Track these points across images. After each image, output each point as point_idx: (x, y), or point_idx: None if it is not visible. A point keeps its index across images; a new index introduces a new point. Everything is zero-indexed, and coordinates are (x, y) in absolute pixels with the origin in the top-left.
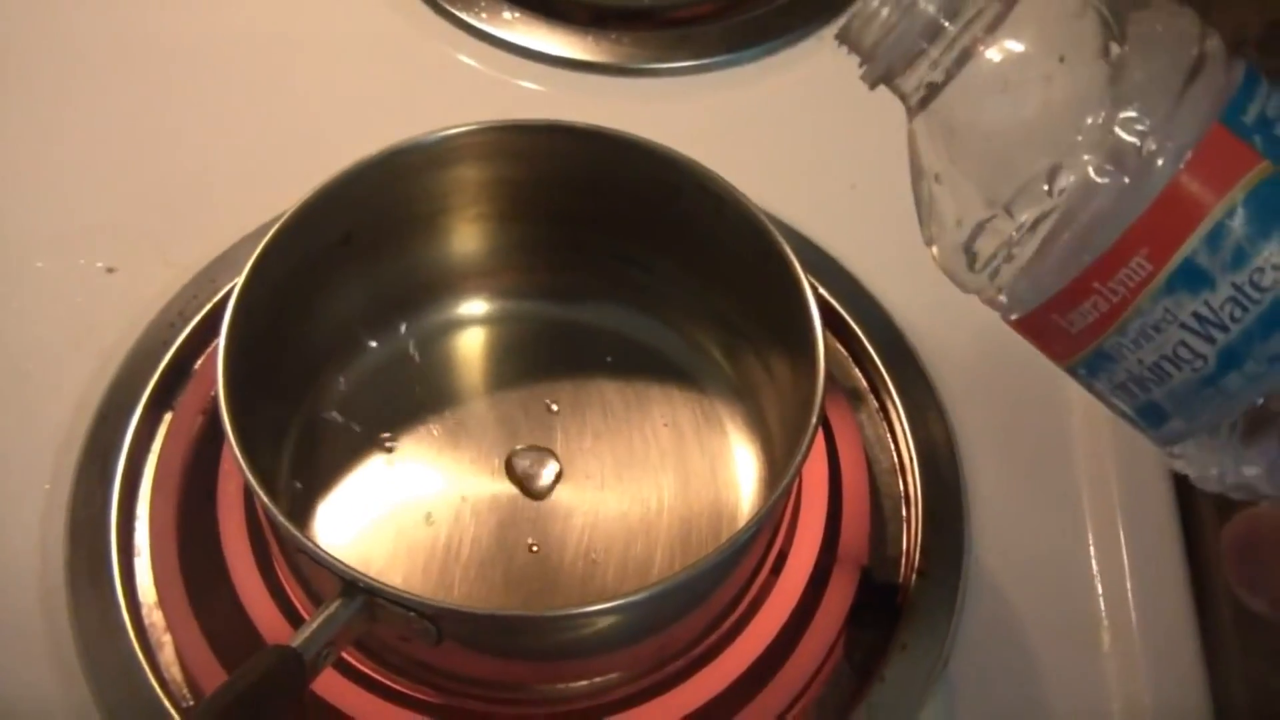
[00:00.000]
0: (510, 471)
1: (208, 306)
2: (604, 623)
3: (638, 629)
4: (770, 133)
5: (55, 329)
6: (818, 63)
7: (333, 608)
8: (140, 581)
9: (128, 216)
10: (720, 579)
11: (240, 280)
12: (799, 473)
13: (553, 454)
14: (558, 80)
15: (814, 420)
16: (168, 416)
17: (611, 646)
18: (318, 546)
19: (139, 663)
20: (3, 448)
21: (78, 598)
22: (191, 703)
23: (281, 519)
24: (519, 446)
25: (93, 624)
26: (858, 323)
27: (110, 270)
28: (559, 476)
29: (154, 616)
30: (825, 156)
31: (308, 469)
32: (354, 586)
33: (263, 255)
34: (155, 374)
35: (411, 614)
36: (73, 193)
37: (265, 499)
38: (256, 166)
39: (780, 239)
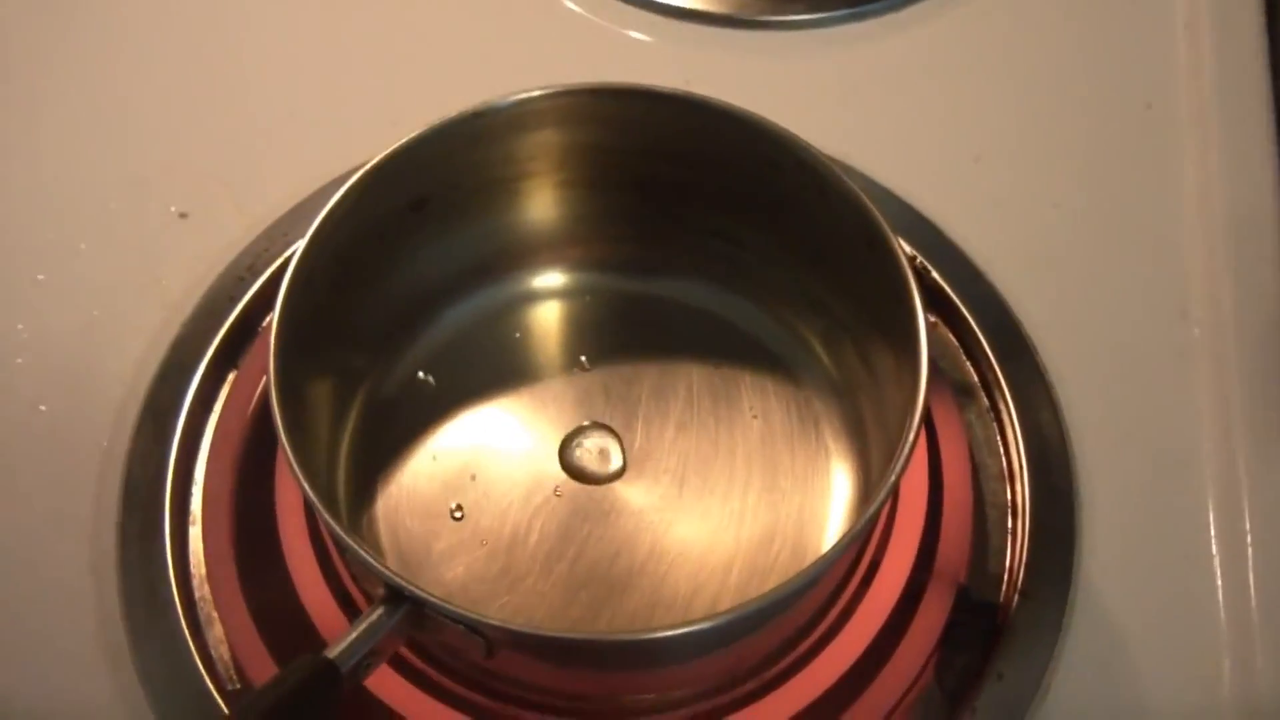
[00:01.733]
0: (570, 458)
1: (278, 261)
2: (662, 646)
3: (702, 649)
4: (890, 96)
5: (123, 275)
6: (946, 21)
7: (375, 616)
8: (193, 552)
9: (204, 159)
10: (794, 604)
11: (300, 247)
12: (894, 490)
13: (615, 437)
14: (667, 31)
15: (912, 433)
16: (231, 376)
17: (674, 662)
18: (360, 545)
19: (185, 640)
20: (62, 400)
21: (127, 565)
22: (237, 686)
23: (325, 513)
24: (584, 423)
25: (140, 595)
26: (971, 311)
27: (183, 215)
28: (623, 469)
29: (204, 590)
30: (948, 125)
31: (370, 447)
32: (399, 594)
33: (326, 220)
34: (221, 331)
35: (460, 626)
36: (149, 131)
37: (307, 486)
38: (339, 113)
39: (885, 224)
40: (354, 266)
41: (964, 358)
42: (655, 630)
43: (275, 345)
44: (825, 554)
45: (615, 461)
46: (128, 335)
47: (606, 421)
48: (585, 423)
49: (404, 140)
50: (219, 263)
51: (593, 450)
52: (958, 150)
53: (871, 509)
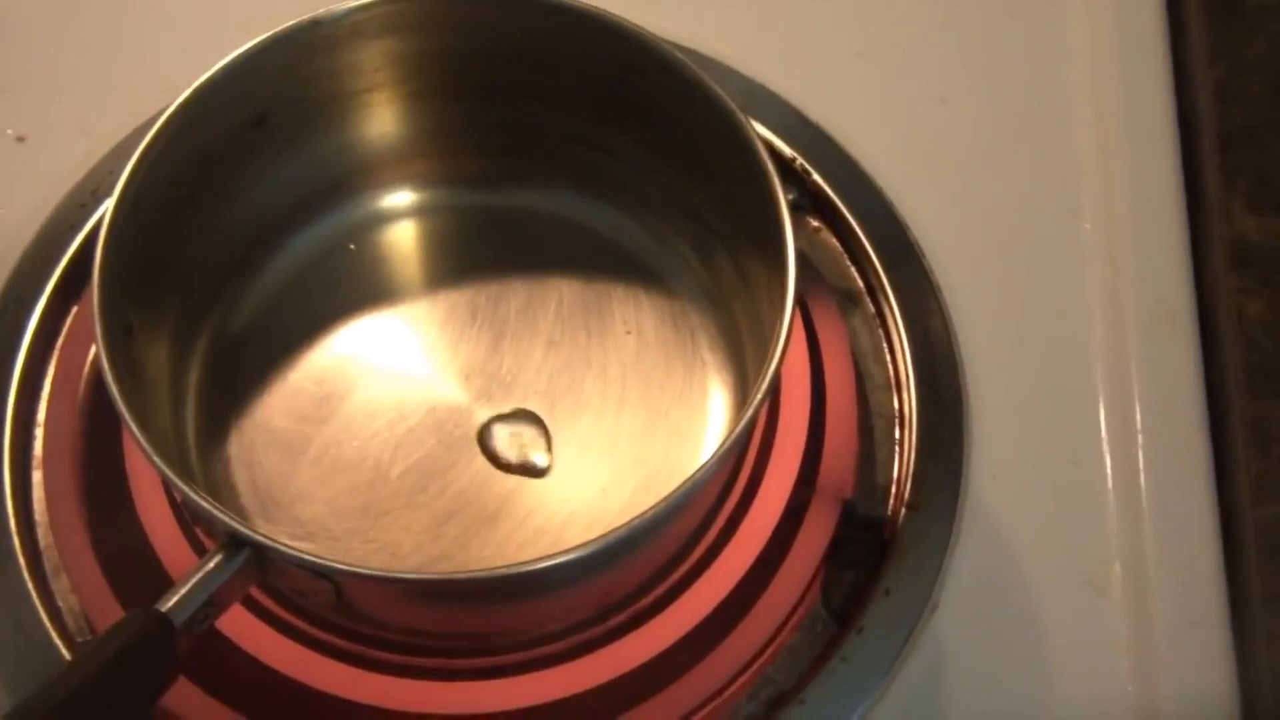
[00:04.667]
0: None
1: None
2: (532, 578)
3: (578, 577)
4: None
5: None
6: None
7: (212, 564)
8: (36, 500)
9: (42, 77)
10: (675, 520)
11: (124, 172)
12: (768, 395)
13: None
14: None
15: (782, 340)
16: (74, 310)
17: (544, 594)
18: (192, 488)
19: (28, 592)
20: None
21: None
22: (88, 637)
23: (153, 454)
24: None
25: None
26: (855, 215)
27: (20, 139)
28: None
29: (49, 539)
30: (829, 18)
31: (221, 383)
32: (237, 538)
33: (152, 142)
34: (61, 262)
35: (304, 571)
36: None
37: (135, 429)
38: (190, 23)
39: (749, 127)
40: (191, 191)
41: (848, 263)
42: (519, 565)
43: (99, 279)
44: (697, 471)
45: (479, 387)
46: None
47: (474, 348)
48: (455, 348)
49: (237, 52)
50: (60, 188)
51: (459, 375)
52: (839, 44)
53: (748, 412)
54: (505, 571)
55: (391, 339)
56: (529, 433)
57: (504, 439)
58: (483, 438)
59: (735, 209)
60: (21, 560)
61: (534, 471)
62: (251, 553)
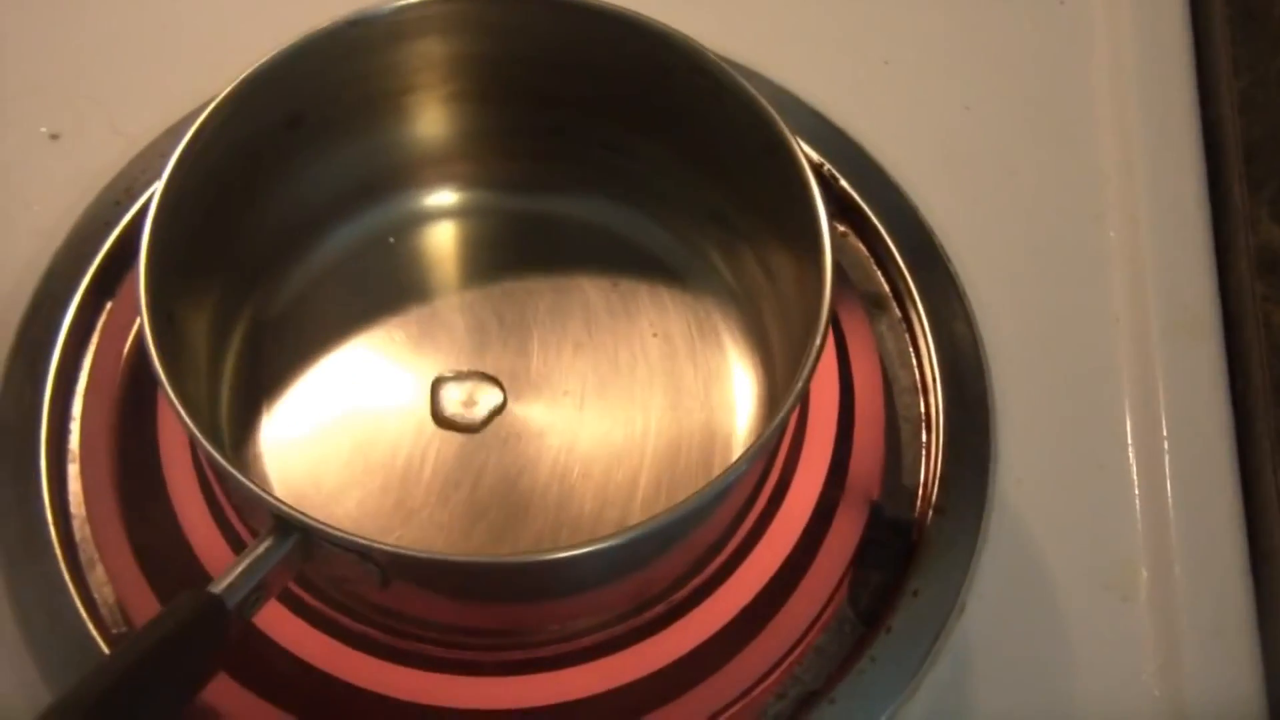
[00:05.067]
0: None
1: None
2: (568, 567)
3: (611, 571)
4: None
5: None
6: None
7: (262, 548)
8: (72, 492)
9: (75, 76)
10: (705, 518)
11: (166, 170)
12: (800, 400)
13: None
14: None
15: (818, 341)
16: (108, 306)
17: (578, 588)
18: (242, 475)
19: (65, 583)
20: None
21: (2, 509)
22: (123, 629)
23: (205, 443)
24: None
25: (17, 538)
26: (882, 220)
27: (54, 137)
28: (500, 408)
29: (85, 531)
30: (857, 27)
31: (255, 379)
32: (286, 523)
33: (193, 141)
34: (96, 259)
35: (353, 555)
36: (16, 47)
37: (186, 417)
38: (220, 24)
39: (783, 126)
40: (229, 188)
41: (874, 268)
42: (555, 550)
43: (145, 274)
44: (733, 464)
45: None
46: None
47: (500, 347)
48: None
49: (274, 53)
50: (93, 186)
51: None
52: (867, 53)
53: (780, 416)
54: (545, 556)
55: (422, 337)
56: (558, 433)
57: (533, 440)
58: (512, 437)
59: (765, 212)
60: (58, 551)
61: (563, 473)
62: (300, 537)
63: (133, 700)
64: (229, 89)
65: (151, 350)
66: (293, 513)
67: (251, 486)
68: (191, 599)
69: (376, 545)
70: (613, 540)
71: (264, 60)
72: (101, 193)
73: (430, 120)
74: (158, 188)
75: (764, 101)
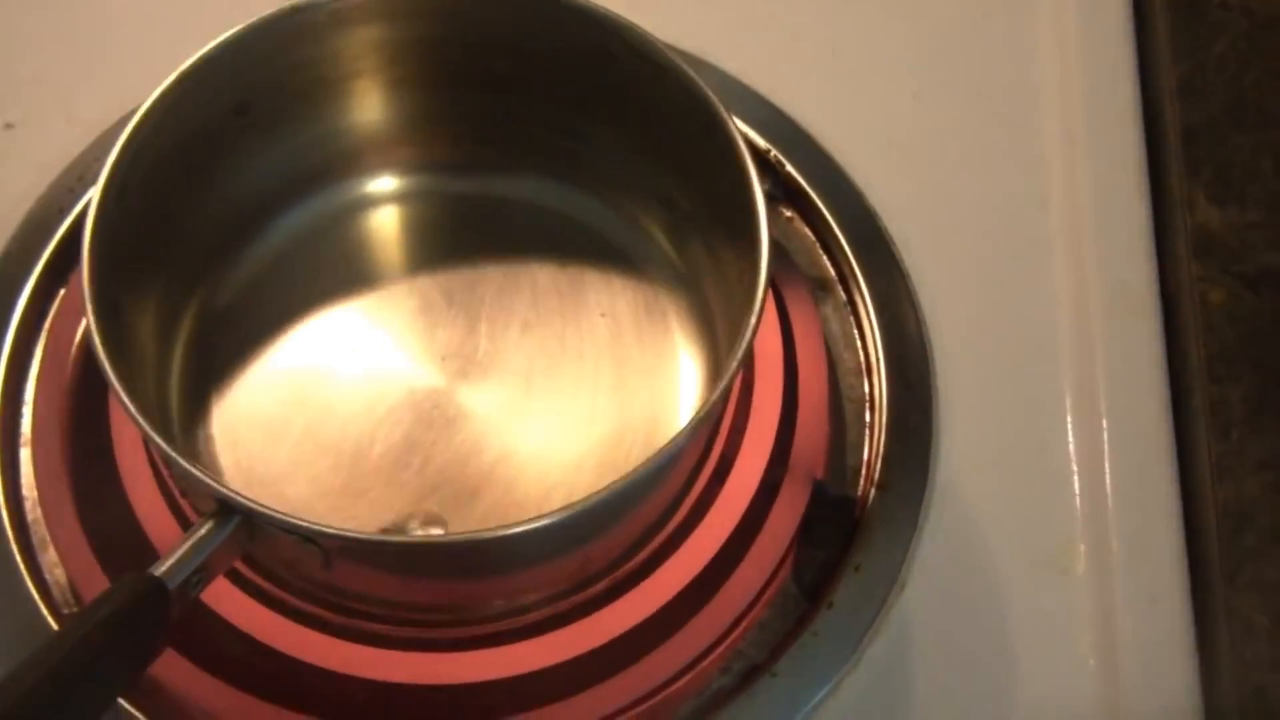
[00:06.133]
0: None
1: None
2: (511, 544)
3: (555, 547)
4: None
5: None
6: None
7: (204, 530)
8: (24, 475)
9: (29, 64)
10: (647, 493)
11: (110, 156)
12: (734, 380)
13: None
14: None
15: (752, 322)
16: (61, 293)
17: (524, 564)
18: (184, 458)
19: (16, 564)
20: None
21: None
22: (74, 609)
23: (147, 427)
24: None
25: None
26: (828, 205)
27: (8, 126)
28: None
29: (36, 513)
30: (804, 15)
31: (205, 363)
32: (228, 505)
33: (137, 128)
34: (49, 246)
35: (295, 537)
36: None
37: (125, 398)
38: (175, 11)
39: (720, 108)
40: (175, 176)
41: (820, 252)
42: (496, 529)
43: (89, 260)
44: (672, 439)
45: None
46: None
47: (450, 329)
48: (433, 330)
49: (219, 40)
50: (47, 174)
51: (437, 357)
52: (815, 41)
53: (717, 392)
54: (486, 535)
55: (371, 321)
56: (505, 413)
57: (481, 420)
58: (459, 418)
59: (708, 194)
60: (10, 533)
61: (511, 452)
62: (242, 519)
63: (72, 682)
64: (173, 76)
65: (95, 337)
66: (234, 495)
67: (192, 469)
68: (132, 582)
69: (317, 527)
70: (553, 517)
71: (208, 47)
72: (56, 180)
73: (376, 105)
74: (100, 176)
75: (701, 82)
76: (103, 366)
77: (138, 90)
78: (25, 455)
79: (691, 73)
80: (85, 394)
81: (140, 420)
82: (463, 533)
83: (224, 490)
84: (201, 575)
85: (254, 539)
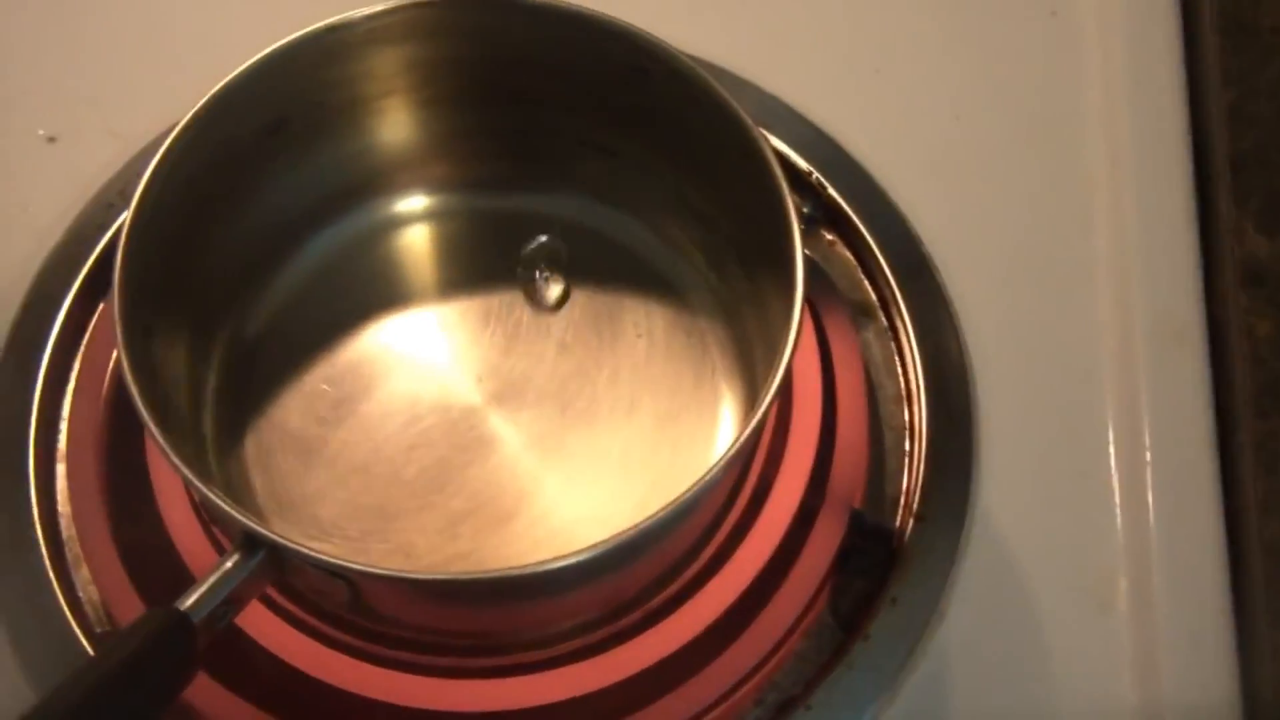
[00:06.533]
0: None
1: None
2: (537, 581)
3: (585, 580)
4: (788, 5)
5: None
6: None
7: (230, 563)
8: (59, 491)
9: (72, 79)
10: (678, 527)
11: (144, 175)
12: (770, 409)
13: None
14: None
15: (787, 349)
16: (100, 308)
17: (552, 596)
18: (211, 489)
19: (50, 582)
20: None
21: None
22: (107, 628)
23: (174, 456)
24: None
25: (4, 536)
26: (870, 229)
27: (50, 139)
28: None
29: (71, 530)
30: (848, 35)
31: (238, 384)
32: (254, 539)
33: (172, 146)
34: (89, 260)
35: (320, 571)
36: (12, 50)
37: (155, 429)
38: (214, 28)
39: (756, 131)
40: (210, 194)
41: (861, 276)
42: (523, 568)
43: (120, 281)
44: (706, 474)
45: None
46: None
47: (489, 348)
48: (470, 351)
49: (254, 59)
50: (89, 189)
51: (472, 378)
52: (857, 61)
53: (751, 425)
54: (515, 573)
55: (405, 341)
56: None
57: (516, 445)
58: (495, 442)
59: (746, 216)
60: (44, 551)
61: (545, 480)
62: (268, 552)
63: (98, 717)
64: (209, 94)
65: (125, 364)
66: (260, 529)
67: (217, 500)
68: (159, 616)
69: (342, 563)
70: (580, 556)
71: (244, 66)
72: (96, 195)
73: (409, 123)
74: (133, 196)
75: (736, 105)
76: (131, 394)
77: (179, 105)
78: (61, 472)
79: (724, 92)
80: (121, 411)
81: (166, 449)
82: (484, 571)
83: (250, 524)
84: (228, 608)
85: (283, 571)
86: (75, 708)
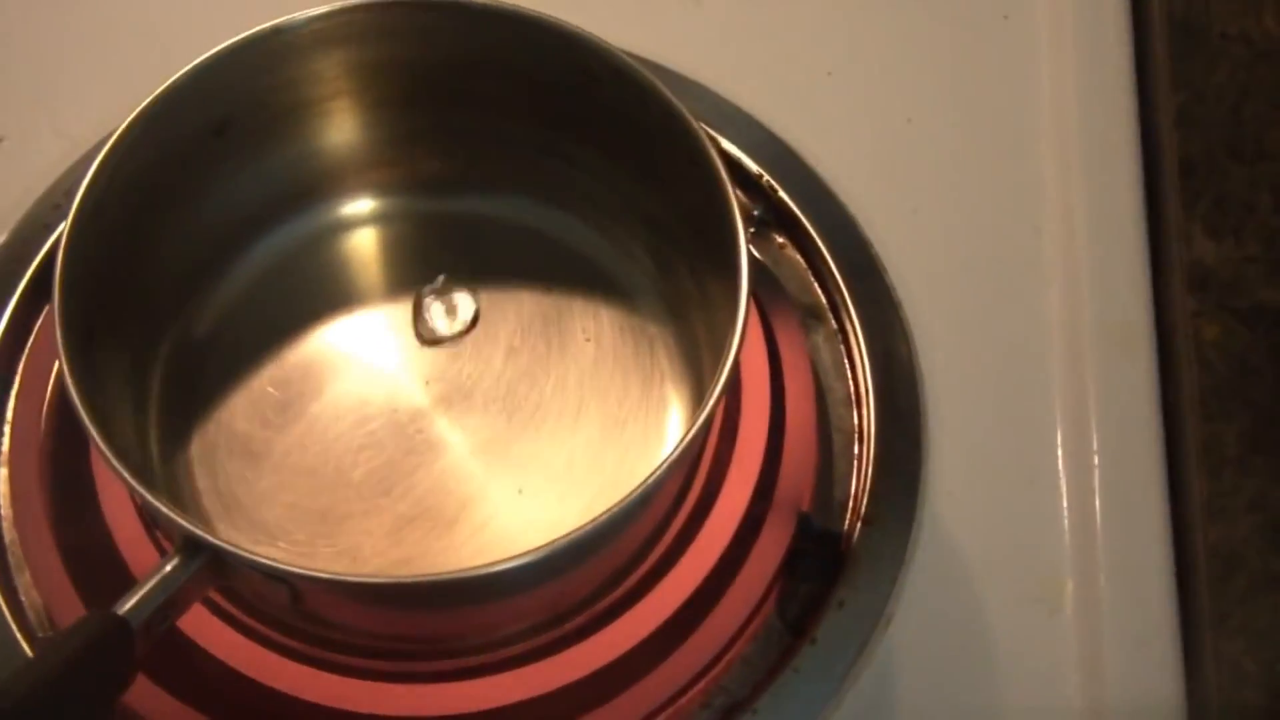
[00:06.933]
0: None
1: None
2: (480, 584)
3: (530, 583)
4: (740, 8)
5: None
6: None
7: (170, 567)
8: (1, 495)
9: (18, 78)
10: (624, 529)
11: (86, 176)
12: (715, 412)
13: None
14: None
15: (732, 351)
16: (45, 310)
17: (497, 599)
18: (150, 492)
19: None
20: None
21: None
22: (49, 633)
23: (113, 459)
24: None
25: None
26: (820, 232)
27: None
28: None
29: (12, 534)
30: (800, 35)
31: (184, 387)
32: (195, 542)
33: (114, 148)
34: (34, 261)
35: (261, 575)
36: None
37: (95, 433)
38: (163, 27)
39: (703, 137)
40: (153, 196)
41: (811, 279)
42: (466, 571)
43: (60, 283)
44: (651, 474)
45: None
46: None
47: (434, 353)
48: (416, 353)
49: (198, 60)
50: (34, 189)
51: (420, 381)
52: (810, 64)
53: (696, 425)
54: (458, 576)
55: (353, 345)
56: (485, 442)
57: (461, 449)
58: (442, 445)
59: (694, 221)
60: None
61: (489, 482)
62: (209, 556)
63: None
64: (153, 95)
65: (66, 366)
66: (200, 533)
67: (158, 504)
68: (96, 620)
69: (283, 567)
70: (530, 557)
71: (188, 67)
72: (43, 195)
73: (357, 125)
74: (75, 197)
75: (681, 107)
76: (72, 398)
77: (128, 106)
78: (2, 475)
79: (670, 95)
80: (65, 414)
81: (106, 452)
82: (425, 575)
83: (190, 527)
84: (169, 611)
85: (224, 574)
86: (8, 711)
